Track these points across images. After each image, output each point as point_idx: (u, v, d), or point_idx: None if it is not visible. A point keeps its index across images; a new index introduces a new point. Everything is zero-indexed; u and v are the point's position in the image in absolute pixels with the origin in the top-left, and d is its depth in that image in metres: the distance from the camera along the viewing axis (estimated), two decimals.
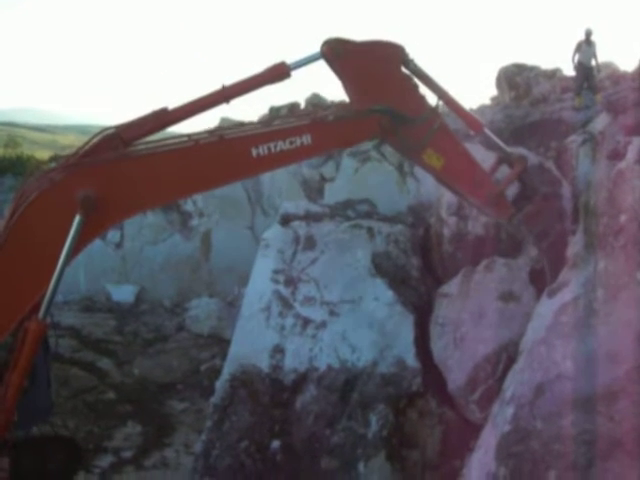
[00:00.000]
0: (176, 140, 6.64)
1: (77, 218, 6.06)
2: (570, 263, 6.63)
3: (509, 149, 8.44)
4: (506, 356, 8.04)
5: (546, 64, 22.13)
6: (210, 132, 6.90)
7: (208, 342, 17.08)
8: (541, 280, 8.35)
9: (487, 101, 22.25)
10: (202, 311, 18.28)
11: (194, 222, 20.39)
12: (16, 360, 6.24)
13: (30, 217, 6.08)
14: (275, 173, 14.96)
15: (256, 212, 20.04)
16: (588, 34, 17.23)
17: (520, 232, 8.50)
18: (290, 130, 6.86)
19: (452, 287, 9.47)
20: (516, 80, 20.85)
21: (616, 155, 6.71)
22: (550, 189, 9.14)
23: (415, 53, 7.43)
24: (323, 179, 18.92)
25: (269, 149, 6.69)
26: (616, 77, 18.89)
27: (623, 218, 5.95)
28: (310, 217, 11.18)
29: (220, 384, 9.80)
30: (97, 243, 18.12)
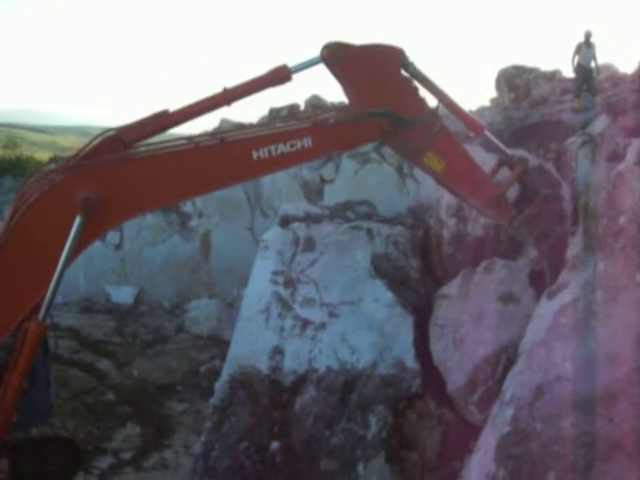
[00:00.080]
0: (177, 142, 6.65)
1: (77, 220, 6.07)
2: (569, 265, 6.63)
3: (509, 151, 8.45)
4: (505, 357, 8.04)
5: (546, 66, 22.15)
6: (211, 134, 6.90)
7: (207, 343, 17.08)
8: (541, 282, 8.35)
9: (486, 103, 22.26)
10: (201, 312, 18.28)
11: (193, 223, 20.40)
12: (16, 361, 6.24)
13: (30, 219, 6.09)
14: (275, 175, 14.98)
15: (256, 213, 20.05)
16: (588, 36, 17.25)
17: (520, 234, 8.50)
18: (291, 133, 6.87)
19: (452, 288, 9.47)
20: (515, 82, 20.86)
21: (615, 157, 6.72)
22: (550, 191, 9.15)
23: (415, 55, 7.45)
24: (323, 181, 18.94)
25: (270, 152, 6.70)
26: (615, 79, 18.90)
27: (622, 220, 5.96)
28: (310, 218, 11.18)
29: (219, 385, 9.80)
30: (97, 244, 18.13)
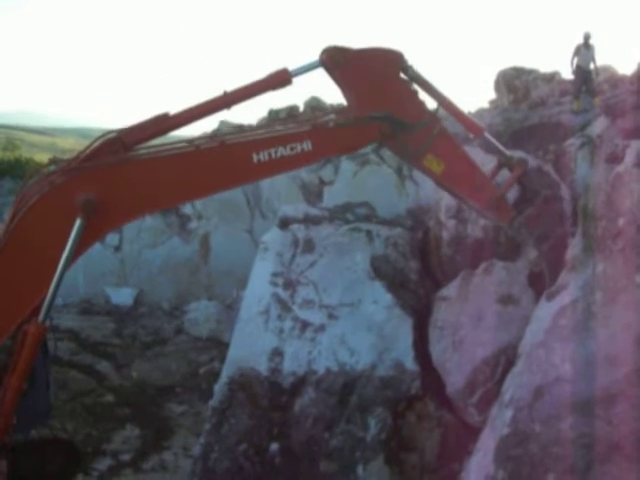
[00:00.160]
0: (177, 145, 6.66)
1: (78, 222, 6.07)
2: (569, 266, 6.64)
3: (509, 152, 8.46)
4: (505, 359, 8.04)
5: (545, 67, 22.12)
6: (211, 137, 6.90)
7: (207, 345, 17.06)
8: (540, 283, 8.36)
9: (486, 104, 22.24)
10: (201, 314, 18.27)
11: (193, 225, 20.38)
12: (15, 363, 6.24)
13: (31, 220, 6.09)
14: (274, 177, 14.88)
15: (255, 215, 20.03)
16: (587, 37, 17.23)
17: (521, 235, 8.51)
18: (291, 136, 6.89)
19: (451, 290, 9.47)
20: (515, 83, 20.83)
21: (614, 158, 6.72)
22: (550, 192, 9.15)
23: (414, 57, 7.46)
24: (322, 182, 18.92)
25: (269, 155, 6.71)
26: (614, 81, 18.88)
27: (621, 221, 5.97)
28: (309, 220, 11.19)
29: (219, 387, 9.80)
30: (96, 246, 18.11)
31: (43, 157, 33.96)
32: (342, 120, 7.18)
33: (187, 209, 20.24)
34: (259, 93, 6.96)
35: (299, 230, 10.84)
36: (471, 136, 8.45)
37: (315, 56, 7.11)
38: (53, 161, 9.99)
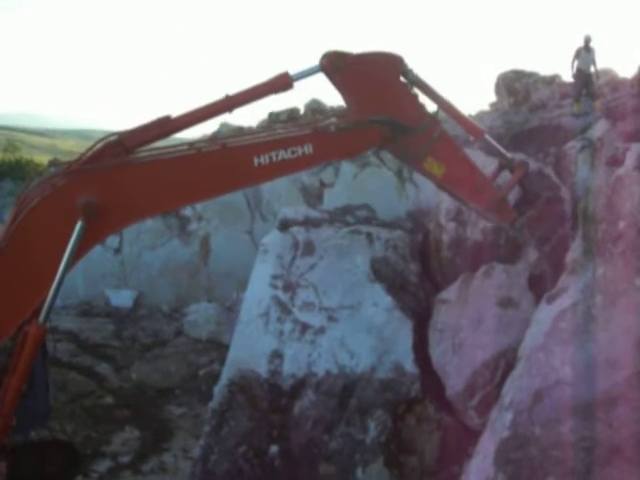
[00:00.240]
0: (178, 148, 6.67)
1: (79, 224, 6.07)
2: (569, 269, 6.64)
3: (509, 154, 8.48)
4: (505, 362, 8.04)
5: (545, 70, 22.17)
6: (212, 140, 6.91)
7: (206, 347, 17.03)
8: (540, 286, 8.37)
9: (486, 107, 22.28)
10: (201, 316, 18.25)
11: (193, 227, 20.37)
12: (15, 364, 6.24)
13: (32, 222, 6.09)
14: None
15: (255, 217, 20.02)
16: (587, 40, 17.26)
17: (522, 236, 8.52)
18: (292, 139, 6.90)
19: (451, 293, 9.47)
20: (515, 86, 20.87)
21: (615, 161, 6.72)
22: (551, 193, 9.17)
23: (414, 61, 7.47)
24: (322, 185, 18.93)
25: (270, 158, 6.72)
26: (615, 84, 18.91)
27: (622, 224, 5.97)
28: (309, 222, 11.19)
29: (218, 389, 9.80)
30: (96, 248, 18.10)
31: (43, 159, 33.98)
32: (343, 124, 7.20)
33: (187, 211, 20.24)
34: (261, 97, 6.97)
35: (299, 232, 10.84)
36: (471, 139, 8.46)
37: (315, 56, 7.13)
38: (53, 163, 10.02)
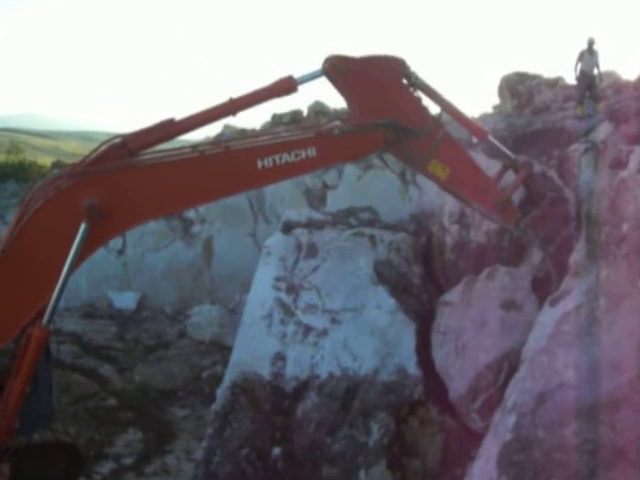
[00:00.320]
0: (182, 151, 6.68)
1: (82, 226, 6.09)
2: (572, 271, 6.63)
3: (513, 155, 8.48)
4: (508, 365, 8.03)
5: (548, 73, 22.13)
6: (215, 143, 6.93)
7: (209, 349, 17.04)
8: (543, 288, 8.35)
9: (489, 110, 22.26)
10: (204, 318, 18.26)
11: (196, 229, 20.40)
12: (19, 366, 6.26)
13: (36, 224, 6.11)
14: None
15: (258, 219, 20.05)
16: (590, 43, 17.24)
17: (527, 236, 8.51)
18: (295, 142, 6.92)
19: (454, 295, 9.47)
20: (518, 89, 20.83)
21: (618, 164, 6.72)
22: (555, 193, 9.17)
23: (417, 63, 7.49)
24: (325, 187, 18.95)
25: (274, 161, 6.74)
26: (618, 86, 18.88)
27: (625, 227, 5.96)
28: (312, 225, 11.18)
29: (221, 391, 9.80)
30: (99, 250, 18.15)
31: (46, 160, 34.07)
32: (347, 127, 7.21)
33: (190, 213, 20.27)
34: (264, 100, 7.00)
35: (302, 235, 10.84)
36: (475, 140, 8.47)
37: (317, 56, 7.16)
38: (57, 165, 10.03)
